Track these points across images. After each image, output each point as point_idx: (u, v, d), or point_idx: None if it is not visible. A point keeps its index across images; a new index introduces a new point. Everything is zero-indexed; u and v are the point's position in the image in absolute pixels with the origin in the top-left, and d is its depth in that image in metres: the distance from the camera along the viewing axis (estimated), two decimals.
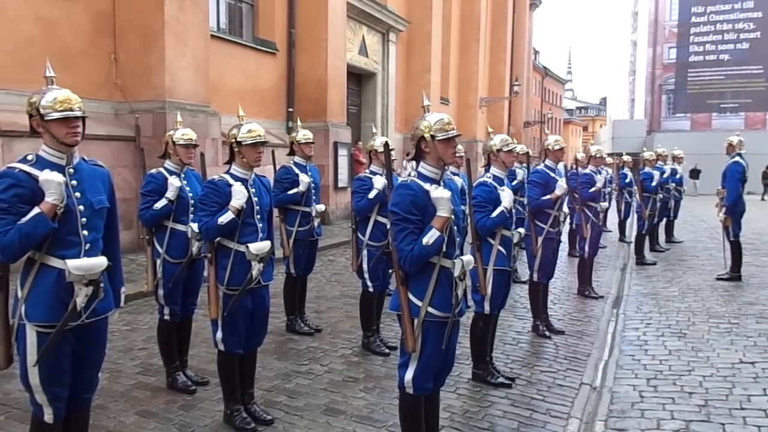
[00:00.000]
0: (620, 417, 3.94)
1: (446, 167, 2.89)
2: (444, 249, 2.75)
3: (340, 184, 13.52)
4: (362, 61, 16.43)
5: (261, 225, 3.52)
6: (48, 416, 2.52)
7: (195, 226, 3.90)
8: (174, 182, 4.06)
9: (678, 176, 11.17)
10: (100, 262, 2.53)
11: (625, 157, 12.43)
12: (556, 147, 5.50)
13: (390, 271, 4.94)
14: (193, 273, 4.19)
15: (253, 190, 3.50)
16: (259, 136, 3.44)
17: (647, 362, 4.96)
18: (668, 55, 36.93)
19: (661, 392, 4.31)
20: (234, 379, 3.57)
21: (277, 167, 5.51)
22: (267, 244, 3.48)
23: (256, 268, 3.41)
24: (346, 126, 14.17)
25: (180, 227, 4.09)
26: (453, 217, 2.77)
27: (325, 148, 12.98)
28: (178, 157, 4.14)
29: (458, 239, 2.89)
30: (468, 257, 2.89)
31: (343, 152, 13.55)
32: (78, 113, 2.50)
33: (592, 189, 6.88)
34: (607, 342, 5.51)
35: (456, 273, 2.79)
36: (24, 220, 2.36)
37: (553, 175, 5.39)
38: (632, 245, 10.19)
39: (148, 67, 8.65)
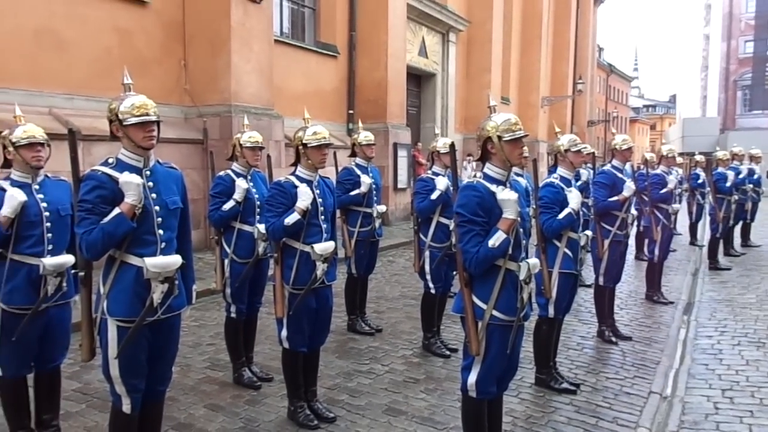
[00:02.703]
0: (693, 428, 3.78)
1: (512, 168, 2.86)
2: (510, 251, 2.72)
3: (399, 185, 13.56)
4: (422, 62, 16.42)
5: (325, 226, 3.57)
6: (126, 406, 2.65)
7: (261, 227, 4.02)
8: (241, 184, 4.18)
9: (756, 176, 10.58)
10: (175, 260, 2.64)
11: (698, 157, 11.90)
12: (624, 146, 5.32)
13: (453, 272, 4.92)
14: (259, 272, 4.31)
15: (318, 191, 3.55)
16: (324, 138, 3.51)
17: (722, 372, 4.73)
18: (744, 49, 35.11)
19: (737, 404, 4.10)
20: (298, 377, 3.64)
21: (339, 169, 5.59)
22: (331, 244, 3.54)
23: (320, 268, 3.48)
24: (406, 127, 14.20)
25: (247, 228, 4.21)
26: (519, 219, 2.74)
27: (384, 149, 13.04)
28: (245, 159, 4.27)
29: (524, 241, 2.85)
30: (534, 260, 2.84)
31: (402, 153, 13.58)
32: (153, 118, 2.62)
33: (664, 190, 6.62)
34: (677, 350, 5.29)
35: (522, 276, 2.74)
36: (106, 219, 2.49)
37: (620, 175, 5.23)
38: (705, 249, 9.74)
39: (216, 72, 8.95)
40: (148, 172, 2.67)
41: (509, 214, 2.68)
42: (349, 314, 5.61)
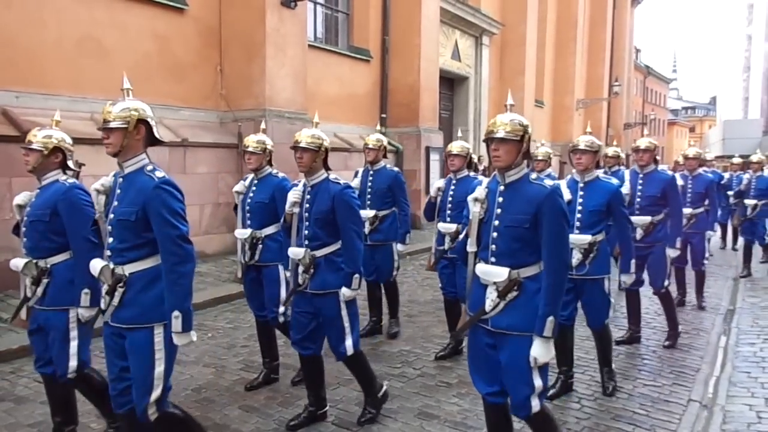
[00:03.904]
0: None
1: (508, 169, 2.70)
2: (475, 249, 2.77)
3: (431, 189, 13.52)
4: (455, 65, 16.38)
5: (308, 231, 3.48)
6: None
7: (245, 231, 4.13)
8: (235, 187, 4.29)
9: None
10: (95, 265, 2.66)
11: (735, 160, 11.52)
12: (640, 146, 5.16)
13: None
14: (263, 280, 4.19)
15: (309, 196, 3.50)
16: (296, 141, 3.49)
17: (765, 380, 4.58)
18: None
19: None
20: (306, 378, 3.73)
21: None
22: (299, 251, 3.47)
23: (300, 273, 3.48)
24: (438, 131, 14.16)
25: (236, 232, 4.24)
26: (475, 219, 2.76)
27: (417, 153, 13.06)
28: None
29: (494, 245, 2.70)
30: (487, 267, 2.70)
31: (434, 157, 13.54)
32: (110, 125, 2.60)
33: None
34: (718, 357, 5.14)
35: (481, 278, 2.73)
36: None
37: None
38: (740, 254, 9.41)
39: (251, 77, 9.08)
40: (120, 179, 2.70)
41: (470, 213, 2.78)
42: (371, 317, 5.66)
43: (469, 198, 2.78)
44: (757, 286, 8.07)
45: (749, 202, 8.76)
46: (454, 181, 4.92)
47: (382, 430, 3.63)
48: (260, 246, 4.10)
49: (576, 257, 3.98)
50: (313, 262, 3.44)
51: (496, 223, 2.70)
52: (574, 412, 3.93)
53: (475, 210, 2.75)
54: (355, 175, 5.55)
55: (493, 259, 2.70)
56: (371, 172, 5.44)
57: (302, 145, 3.46)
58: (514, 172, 2.70)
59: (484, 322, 2.74)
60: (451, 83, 16.98)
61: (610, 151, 6.74)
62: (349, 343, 3.53)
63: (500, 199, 2.72)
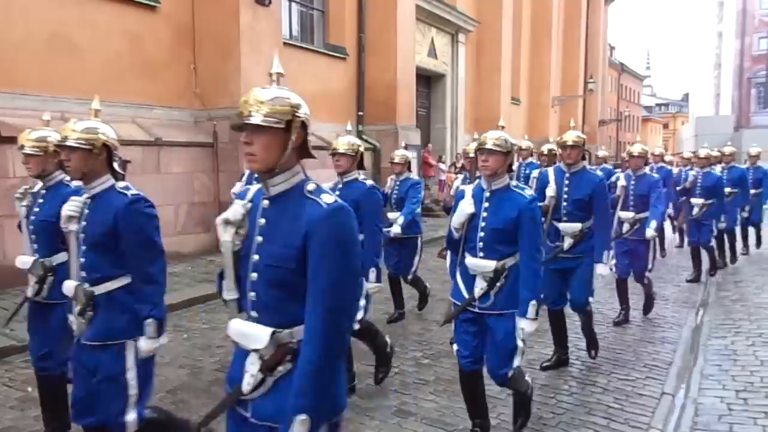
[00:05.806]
0: (706, 430, 3.73)
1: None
2: (235, 297, 1.93)
3: None
4: (431, 63, 16.42)
5: (84, 259, 2.53)
6: None
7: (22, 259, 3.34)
8: (19, 200, 3.81)
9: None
10: None
11: (686, 154, 11.49)
12: (568, 142, 4.45)
13: None
14: (55, 321, 3.21)
15: (87, 210, 2.54)
16: (62, 138, 2.52)
17: (736, 373, 4.67)
18: (758, 46, 34.82)
19: (752, 405, 4.05)
20: None
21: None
22: (70, 284, 2.56)
23: (75, 316, 2.55)
24: (416, 128, 14.19)
25: None
26: (227, 252, 1.93)
27: (394, 150, 13.04)
28: None
29: (255, 291, 1.88)
30: (244, 327, 1.83)
31: (412, 154, 13.58)
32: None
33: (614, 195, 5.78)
34: (691, 350, 5.24)
35: None
36: None
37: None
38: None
39: (225, 75, 9.00)
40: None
41: None
42: None
43: (218, 220, 1.81)
44: (728, 280, 8.23)
45: (696, 201, 7.80)
46: (340, 185, 4.09)
47: (360, 429, 3.63)
48: (50, 278, 3.04)
49: (479, 286, 3.21)
50: (92, 301, 2.50)
51: (256, 258, 1.79)
52: (549, 407, 3.96)
53: (225, 238, 1.78)
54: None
55: (254, 314, 1.82)
56: (340, 186, 4.12)
57: (67, 143, 2.44)
58: (280, 179, 1.80)
59: (244, 407, 1.89)
60: (427, 81, 17.03)
61: (524, 144, 6.47)
62: (130, 418, 2.53)
63: (261, 221, 1.80)
